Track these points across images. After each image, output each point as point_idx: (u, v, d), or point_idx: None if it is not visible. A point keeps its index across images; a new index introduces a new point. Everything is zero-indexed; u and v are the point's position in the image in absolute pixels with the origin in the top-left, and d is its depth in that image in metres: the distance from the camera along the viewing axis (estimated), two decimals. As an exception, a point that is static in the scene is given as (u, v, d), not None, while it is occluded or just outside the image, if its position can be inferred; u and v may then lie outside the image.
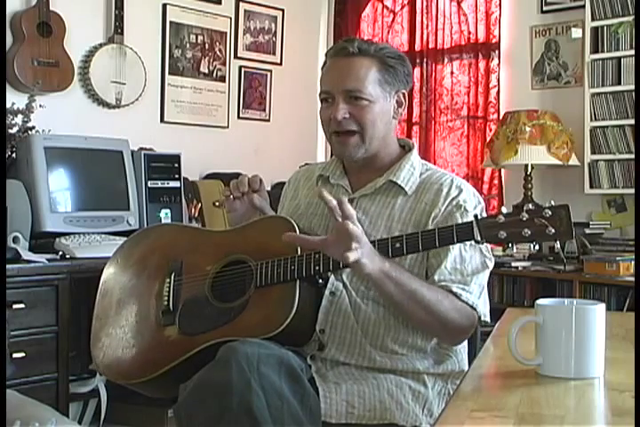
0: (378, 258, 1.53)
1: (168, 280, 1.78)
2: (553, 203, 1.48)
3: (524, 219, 1.46)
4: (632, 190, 3.61)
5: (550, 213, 1.45)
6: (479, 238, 1.50)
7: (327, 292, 1.69)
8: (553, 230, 1.45)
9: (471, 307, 1.64)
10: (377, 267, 1.53)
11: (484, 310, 1.67)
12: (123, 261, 1.91)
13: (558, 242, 1.54)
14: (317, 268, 1.60)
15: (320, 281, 1.68)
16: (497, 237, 1.48)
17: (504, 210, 1.50)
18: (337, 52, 1.77)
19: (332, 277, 1.69)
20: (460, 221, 1.67)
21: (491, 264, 1.71)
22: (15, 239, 2.82)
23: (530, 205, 1.49)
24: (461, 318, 1.63)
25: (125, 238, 2.02)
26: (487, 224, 1.49)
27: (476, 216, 1.52)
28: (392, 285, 1.56)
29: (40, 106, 3.17)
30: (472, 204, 1.73)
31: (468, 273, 1.66)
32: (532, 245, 1.52)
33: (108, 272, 1.91)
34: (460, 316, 1.62)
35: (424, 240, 1.54)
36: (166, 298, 1.75)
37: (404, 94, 1.80)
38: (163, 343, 1.71)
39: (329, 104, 1.75)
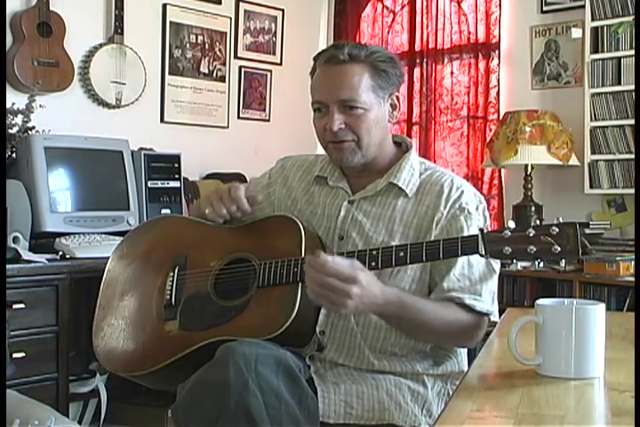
0: (374, 294, 1.50)
1: (172, 274, 1.77)
2: (561, 220, 1.44)
3: (531, 235, 1.43)
4: (632, 190, 3.61)
5: (557, 230, 1.42)
6: (483, 253, 1.47)
7: (329, 293, 1.69)
8: (559, 249, 1.42)
9: (486, 314, 1.66)
10: (378, 307, 1.53)
11: (495, 311, 1.69)
12: (128, 252, 1.90)
13: (564, 260, 1.52)
14: None
15: None
16: (502, 252, 1.45)
17: (511, 224, 1.47)
18: (327, 60, 1.72)
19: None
20: (464, 225, 1.67)
21: (497, 267, 1.70)
22: (15, 239, 2.82)
23: (537, 221, 1.45)
24: (468, 329, 1.65)
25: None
26: (492, 238, 1.46)
27: (481, 230, 1.49)
28: (395, 320, 1.60)
29: (40, 106, 3.17)
30: (474, 205, 1.72)
31: (475, 279, 1.65)
32: (536, 263, 1.49)
33: (114, 262, 1.89)
34: (463, 328, 1.64)
35: (428, 251, 1.53)
36: (169, 292, 1.74)
37: (397, 97, 1.77)
38: (162, 338, 1.70)
39: (323, 114, 1.73)
